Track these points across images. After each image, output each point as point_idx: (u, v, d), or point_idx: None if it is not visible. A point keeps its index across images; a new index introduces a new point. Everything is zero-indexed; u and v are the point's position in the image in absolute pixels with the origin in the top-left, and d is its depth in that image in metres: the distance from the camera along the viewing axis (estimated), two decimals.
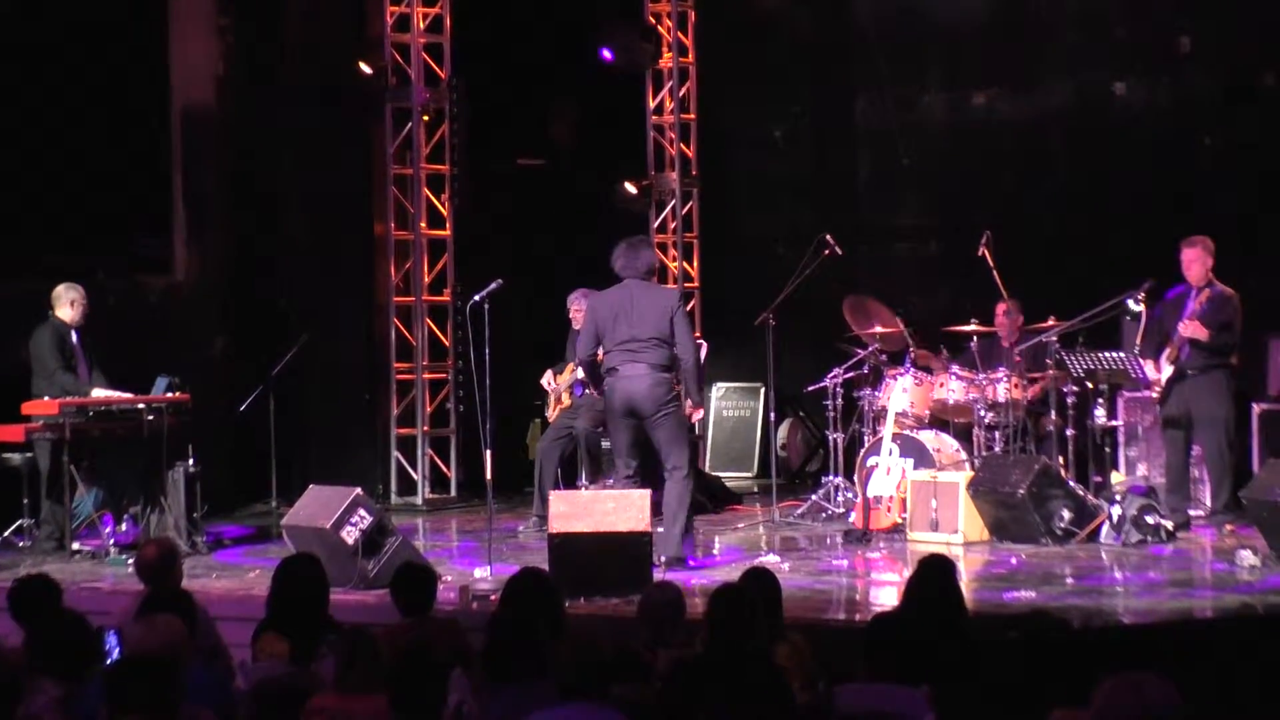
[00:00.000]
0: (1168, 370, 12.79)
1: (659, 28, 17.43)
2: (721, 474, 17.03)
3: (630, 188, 17.29)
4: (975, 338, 13.81)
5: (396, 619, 8.16)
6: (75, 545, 12.66)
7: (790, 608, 8.83)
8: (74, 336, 13.07)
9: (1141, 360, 12.81)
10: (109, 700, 5.81)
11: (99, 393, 12.86)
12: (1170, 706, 4.20)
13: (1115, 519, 12.32)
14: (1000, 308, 14.02)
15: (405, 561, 9.60)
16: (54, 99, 14.76)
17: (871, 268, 16.92)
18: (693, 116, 17.64)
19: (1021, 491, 12.27)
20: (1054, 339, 13.30)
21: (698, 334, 17.16)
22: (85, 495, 12.93)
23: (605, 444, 14.22)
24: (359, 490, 11.26)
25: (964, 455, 13.38)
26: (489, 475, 11.69)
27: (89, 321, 13.19)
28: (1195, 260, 12.75)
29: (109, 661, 7.19)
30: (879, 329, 14.24)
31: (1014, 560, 11.89)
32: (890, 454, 13.27)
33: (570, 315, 13.92)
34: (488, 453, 11.61)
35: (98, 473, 12.98)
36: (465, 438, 16.23)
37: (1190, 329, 12.60)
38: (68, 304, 13.06)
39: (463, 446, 16.26)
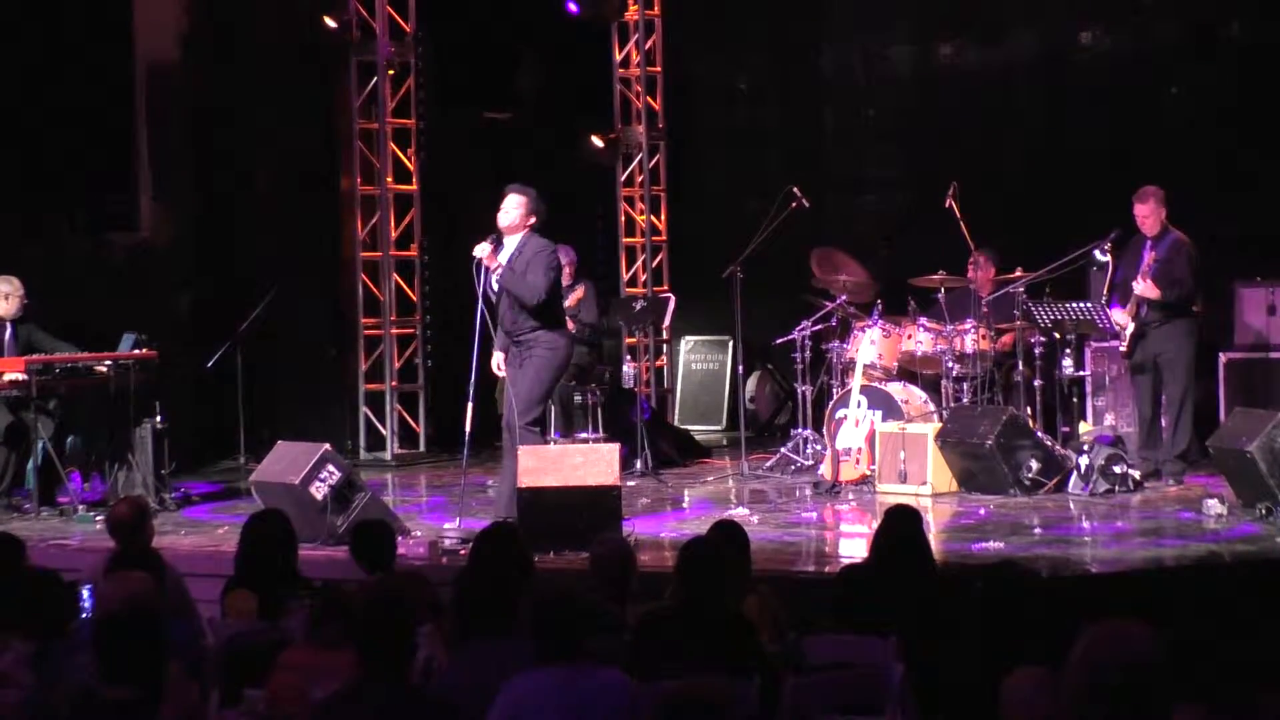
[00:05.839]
0: (1131, 325, 12.83)
1: None
2: (690, 427, 17.03)
3: (597, 141, 17.26)
4: (943, 289, 13.82)
5: (363, 575, 8.17)
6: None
7: (759, 560, 8.86)
8: (8, 330, 12.92)
9: (1108, 310, 12.85)
10: (100, 664, 5.77)
11: None
12: (1152, 653, 4.20)
13: (1083, 469, 12.36)
14: (969, 259, 14.04)
15: (361, 520, 9.60)
16: (17, 56, 14.66)
17: (839, 220, 16.91)
18: (659, 69, 17.60)
19: (989, 442, 12.30)
20: (1021, 290, 13.31)
21: (665, 287, 17.23)
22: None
23: (577, 398, 14.26)
24: (328, 446, 11.24)
25: (932, 407, 13.39)
26: (469, 427, 11.63)
27: (28, 312, 12.99)
28: (1149, 214, 12.79)
29: (83, 617, 7.18)
30: (847, 280, 14.24)
31: (982, 511, 11.93)
32: (859, 406, 13.28)
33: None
34: (469, 405, 11.59)
35: (67, 425, 12.94)
36: (433, 393, 16.24)
37: (1145, 290, 12.64)
38: (2, 298, 12.97)
39: (431, 402, 16.25)
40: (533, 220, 11.69)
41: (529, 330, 11.57)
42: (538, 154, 17.38)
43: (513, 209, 11.70)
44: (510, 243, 11.65)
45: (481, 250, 11.43)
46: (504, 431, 11.71)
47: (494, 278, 11.45)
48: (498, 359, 11.84)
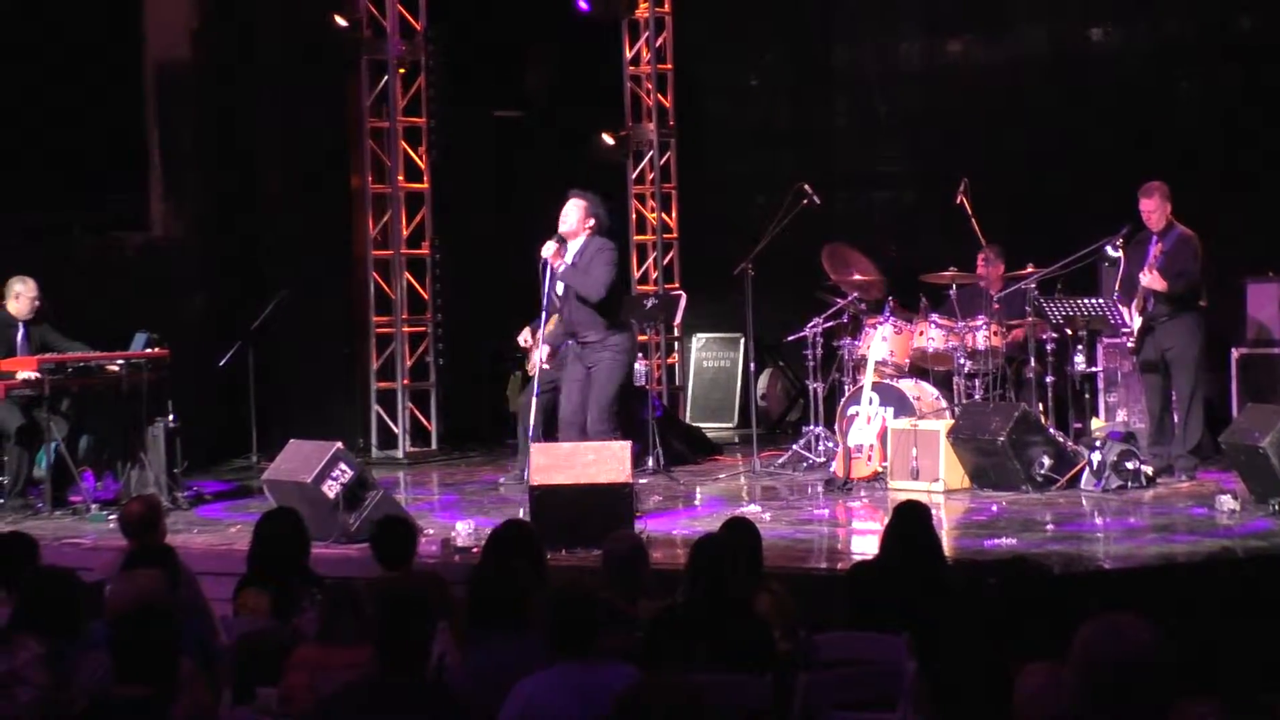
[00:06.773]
0: (1138, 320, 12.82)
1: None
2: (702, 425, 17.02)
3: (608, 139, 17.26)
4: (954, 286, 13.81)
5: (378, 572, 8.17)
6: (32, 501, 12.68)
7: (771, 557, 8.85)
8: (20, 330, 12.94)
9: (1119, 306, 12.84)
10: (114, 663, 5.77)
11: None
12: (1150, 647, 4.20)
13: (1095, 465, 12.34)
14: (980, 255, 14.04)
15: (385, 515, 9.61)
16: (28, 55, 14.69)
17: (849, 216, 16.91)
18: (669, 66, 17.59)
19: (1001, 438, 12.29)
20: (1033, 286, 13.31)
21: (676, 285, 17.24)
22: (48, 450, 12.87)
23: None
24: (339, 444, 11.26)
25: (944, 403, 13.38)
26: (532, 422, 11.93)
27: (41, 313, 13.03)
28: (1154, 209, 12.75)
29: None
30: (858, 277, 14.24)
31: (994, 507, 11.92)
32: (870, 403, 13.27)
33: None
34: (534, 400, 12.20)
35: (80, 425, 12.95)
36: (446, 391, 16.26)
37: (1151, 281, 12.63)
38: (14, 297, 12.93)
39: (443, 399, 16.26)
40: (592, 223, 12.23)
41: (599, 333, 11.91)
42: (548, 152, 17.39)
43: (571, 213, 12.25)
44: (573, 246, 12.19)
45: (548, 249, 11.85)
46: (563, 428, 12.07)
47: (558, 275, 11.84)
48: (543, 351, 12.31)
